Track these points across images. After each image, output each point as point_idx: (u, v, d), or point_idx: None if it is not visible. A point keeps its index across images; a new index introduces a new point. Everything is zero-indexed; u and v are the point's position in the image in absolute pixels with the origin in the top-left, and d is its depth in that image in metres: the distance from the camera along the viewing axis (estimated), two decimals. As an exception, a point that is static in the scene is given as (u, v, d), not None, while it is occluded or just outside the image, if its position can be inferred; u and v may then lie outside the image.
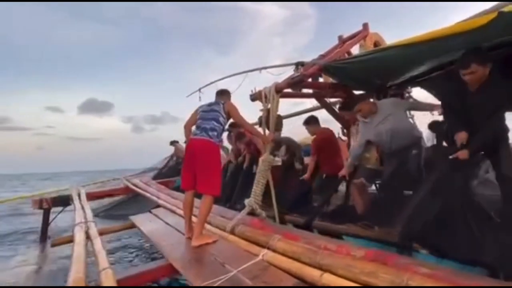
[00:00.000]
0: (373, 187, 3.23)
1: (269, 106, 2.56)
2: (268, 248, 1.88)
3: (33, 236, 4.88)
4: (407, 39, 2.05)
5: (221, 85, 3.40)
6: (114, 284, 1.61)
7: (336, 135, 4.13)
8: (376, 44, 3.23)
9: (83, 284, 1.59)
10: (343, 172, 2.73)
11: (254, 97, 2.91)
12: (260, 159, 2.46)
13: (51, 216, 4.69)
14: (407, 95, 3.69)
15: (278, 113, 2.65)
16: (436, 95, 3.05)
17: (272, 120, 2.47)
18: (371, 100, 2.61)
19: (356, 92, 3.23)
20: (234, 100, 2.60)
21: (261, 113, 2.67)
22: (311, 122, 3.31)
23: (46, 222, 4.57)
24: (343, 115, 3.25)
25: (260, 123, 2.67)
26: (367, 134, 2.60)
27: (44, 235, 4.49)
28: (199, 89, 4.24)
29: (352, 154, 2.76)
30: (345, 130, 3.68)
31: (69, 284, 1.59)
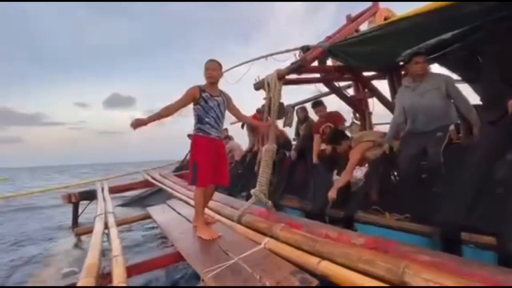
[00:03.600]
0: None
1: (271, 94, 2.51)
2: (271, 237, 1.89)
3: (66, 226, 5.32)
4: (417, 8, 1.89)
5: (233, 74, 3.36)
6: (124, 270, 1.71)
7: (350, 120, 3.99)
8: (386, 20, 2.99)
9: (96, 269, 1.71)
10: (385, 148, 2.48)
11: (258, 86, 2.85)
12: (263, 149, 2.44)
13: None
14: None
15: (282, 101, 2.59)
16: (457, 72, 2.78)
17: (274, 108, 2.42)
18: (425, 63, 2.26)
19: (366, 74, 3.06)
20: (241, 90, 2.58)
21: (264, 102, 2.62)
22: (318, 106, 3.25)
23: (75, 215, 4.96)
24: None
25: (263, 112, 2.63)
26: (404, 100, 2.39)
27: (74, 225, 4.88)
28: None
29: (391, 125, 2.54)
30: (357, 114, 3.53)
31: (84, 268, 1.71)
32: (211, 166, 2.24)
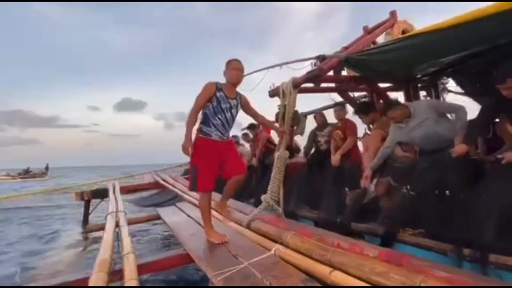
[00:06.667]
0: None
1: (286, 102, 2.53)
2: (281, 244, 1.88)
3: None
4: (435, 24, 1.90)
5: (245, 81, 3.39)
6: (135, 268, 1.74)
7: (363, 131, 3.95)
8: (404, 32, 2.99)
9: (107, 265, 1.74)
10: (367, 173, 2.52)
11: (273, 93, 2.89)
12: (276, 155, 2.45)
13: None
14: (441, 87, 3.39)
15: (296, 108, 2.60)
16: (468, 87, 2.76)
17: (288, 116, 2.44)
18: (402, 103, 2.39)
19: (382, 85, 3.04)
20: (255, 97, 2.51)
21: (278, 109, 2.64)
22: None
23: (87, 211, 5.07)
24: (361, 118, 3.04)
25: (277, 119, 2.65)
26: (398, 137, 2.47)
27: (85, 222, 4.99)
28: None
29: (379, 155, 2.56)
30: (371, 126, 3.49)
31: (96, 264, 1.75)
32: (212, 169, 2.08)
